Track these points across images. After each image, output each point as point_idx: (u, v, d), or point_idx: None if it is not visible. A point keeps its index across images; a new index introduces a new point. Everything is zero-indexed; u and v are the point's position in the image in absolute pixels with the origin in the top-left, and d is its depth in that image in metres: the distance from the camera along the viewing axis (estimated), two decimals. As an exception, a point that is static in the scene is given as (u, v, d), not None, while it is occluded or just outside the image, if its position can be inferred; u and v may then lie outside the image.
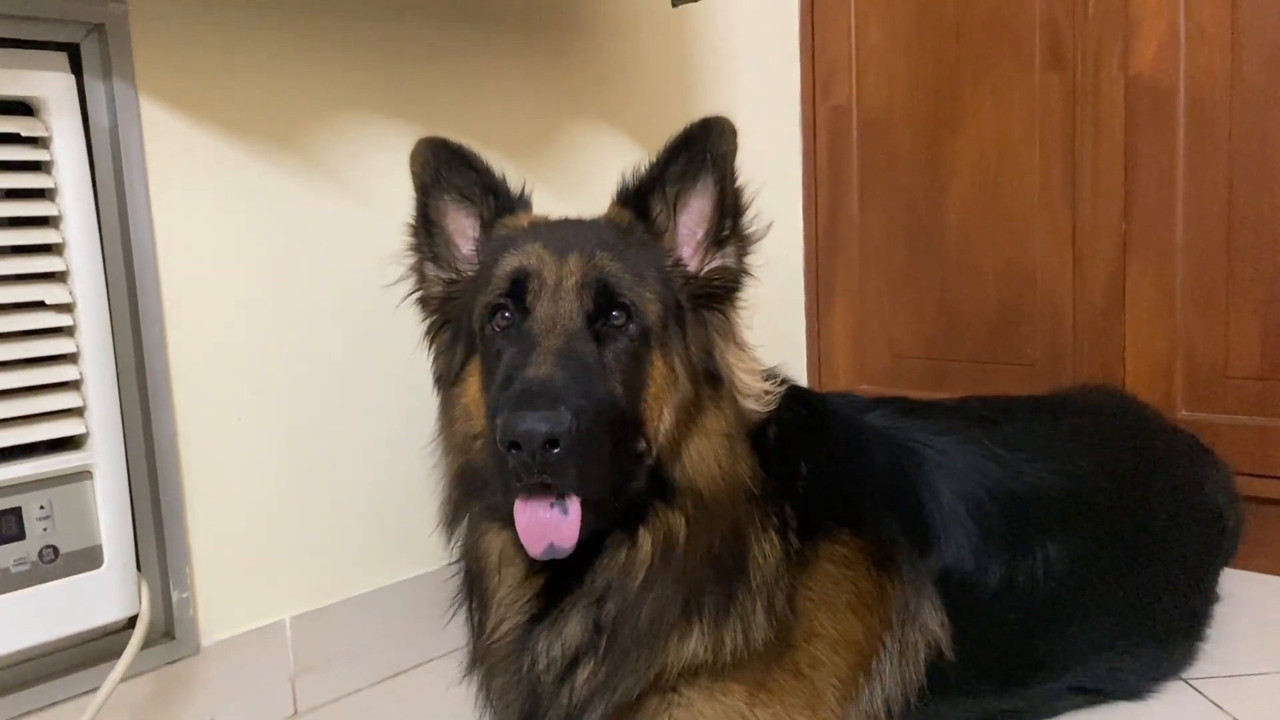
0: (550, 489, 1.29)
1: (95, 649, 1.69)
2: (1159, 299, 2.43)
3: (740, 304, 1.51)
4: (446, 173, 1.54)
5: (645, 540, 1.39)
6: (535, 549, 1.32)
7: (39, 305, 1.53)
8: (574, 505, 1.32)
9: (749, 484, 1.44)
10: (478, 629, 1.55)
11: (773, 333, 2.99)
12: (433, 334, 1.56)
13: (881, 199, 2.91)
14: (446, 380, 1.52)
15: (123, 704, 1.69)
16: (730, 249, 1.47)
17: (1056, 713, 1.72)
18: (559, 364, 1.29)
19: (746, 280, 1.49)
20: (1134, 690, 1.78)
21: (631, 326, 1.37)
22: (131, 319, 1.69)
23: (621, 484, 1.37)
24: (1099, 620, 1.71)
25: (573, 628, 1.42)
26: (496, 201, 1.54)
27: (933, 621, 1.56)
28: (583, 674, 1.42)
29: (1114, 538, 1.74)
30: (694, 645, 1.41)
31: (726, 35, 2.78)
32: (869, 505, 1.59)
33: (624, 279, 1.39)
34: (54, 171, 1.54)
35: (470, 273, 1.52)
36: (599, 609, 1.41)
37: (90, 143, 1.61)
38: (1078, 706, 1.73)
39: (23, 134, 1.51)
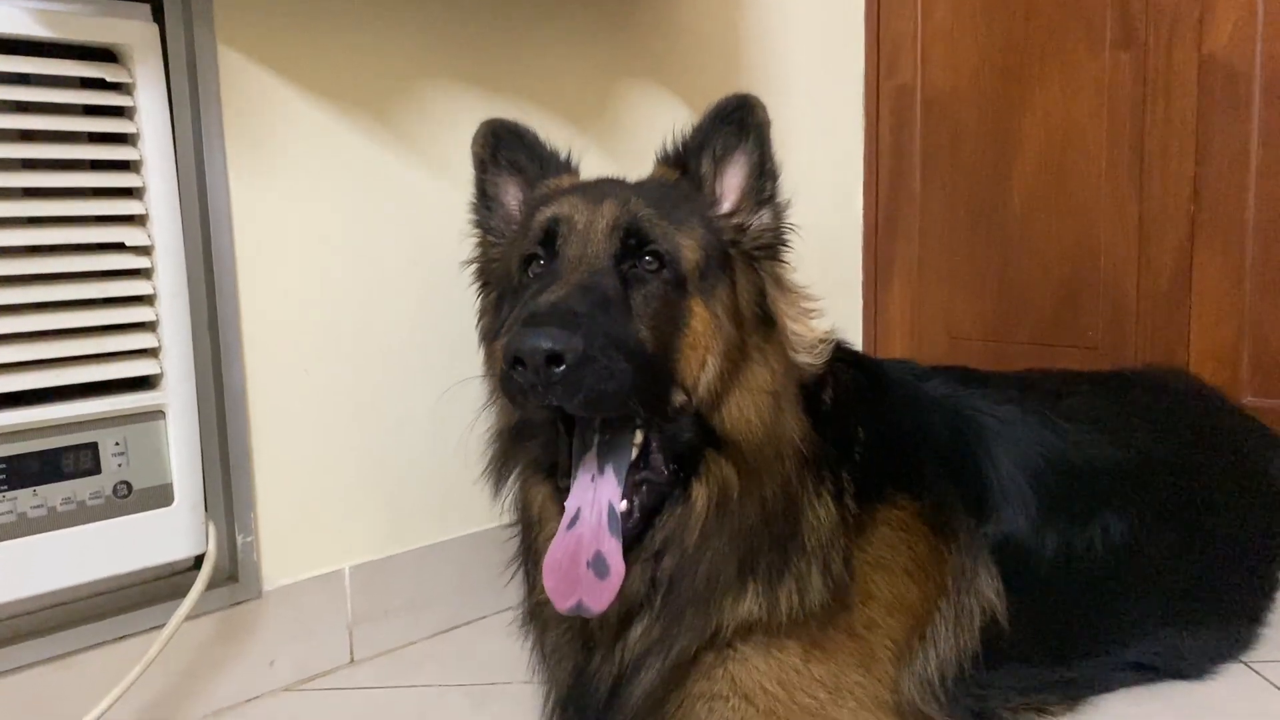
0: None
1: (162, 587, 1.74)
2: (1227, 283, 2.39)
3: (786, 260, 1.54)
4: (503, 150, 1.62)
5: (699, 493, 1.40)
6: (561, 602, 1.32)
7: (119, 247, 1.58)
8: (615, 564, 1.32)
9: (798, 444, 1.44)
10: (530, 585, 1.58)
11: (831, 311, 2.97)
12: (481, 296, 1.61)
13: (943, 178, 2.89)
14: (489, 337, 1.56)
15: (186, 642, 1.74)
16: (768, 210, 1.51)
17: (1112, 687, 1.70)
18: (573, 292, 1.29)
19: (788, 235, 1.54)
20: (1192, 670, 1.75)
21: (665, 271, 1.38)
22: (205, 266, 1.73)
23: (670, 439, 1.38)
24: (1157, 597, 1.69)
25: (631, 582, 1.41)
26: (542, 168, 1.60)
27: (988, 589, 1.55)
28: (637, 630, 1.43)
29: (1174, 515, 1.72)
30: (749, 605, 1.42)
31: (791, 10, 2.77)
32: (927, 471, 1.58)
33: (659, 224, 1.40)
34: (136, 118, 1.57)
35: (513, 234, 1.56)
36: (656, 565, 1.41)
37: (170, 91, 1.64)
38: (1134, 683, 1.72)
39: (108, 80, 1.54)
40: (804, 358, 1.48)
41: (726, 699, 1.43)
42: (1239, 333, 2.38)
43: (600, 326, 1.26)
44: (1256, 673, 1.79)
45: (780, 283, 1.51)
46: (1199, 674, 1.76)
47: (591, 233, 1.39)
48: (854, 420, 1.56)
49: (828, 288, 2.88)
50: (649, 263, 1.38)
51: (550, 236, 1.41)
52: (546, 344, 1.19)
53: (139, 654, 1.62)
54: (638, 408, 1.32)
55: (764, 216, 1.51)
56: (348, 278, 1.93)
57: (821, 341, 1.51)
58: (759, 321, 1.44)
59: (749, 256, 1.48)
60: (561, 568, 1.33)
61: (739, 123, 1.49)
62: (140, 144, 1.58)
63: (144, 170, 1.59)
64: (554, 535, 1.45)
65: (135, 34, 1.57)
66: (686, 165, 1.52)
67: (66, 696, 1.60)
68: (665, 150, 1.56)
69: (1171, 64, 2.43)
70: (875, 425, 1.58)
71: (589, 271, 1.34)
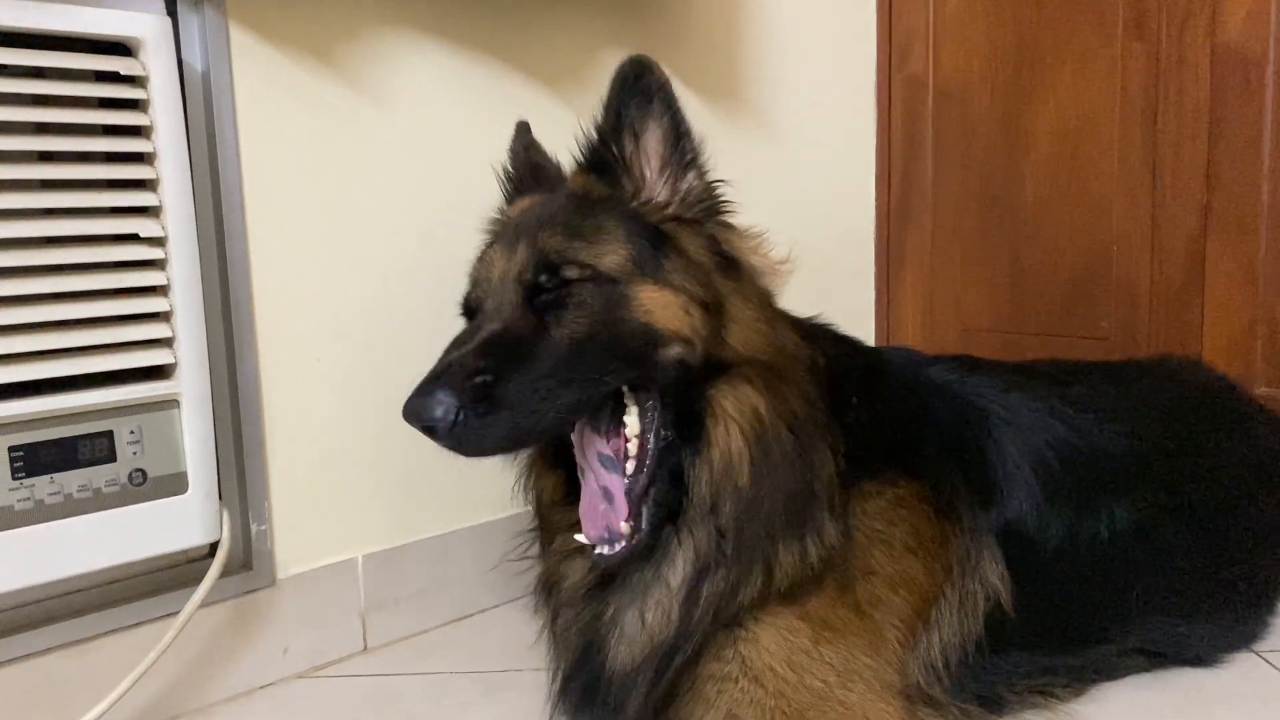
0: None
1: (176, 575, 1.76)
2: (1240, 272, 2.38)
3: (728, 210, 1.52)
4: (515, 164, 1.70)
5: (725, 439, 1.41)
6: (591, 533, 1.41)
7: (133, 238, 1.60)
8: (616, 489, 1.40)
9: (795, 354, 1.47)
10: (544, 558, 1.63)
11: (842, 303, 2.98)
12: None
13: (955, 170, 2.88)
14: None
15: (200, 629, 1.76)
16: (693, 172, 1.48)
17: (1119, 673, 1.70)
18: (475, 351, 1.34)
19: (720, 191, 1.51)
20: (1200, 657, 1.75)
21: (588, 285, 1.38)
22: (219, 256, 1.75)
23: (674, 398, 1.41)
24: (1165, 585, 1.68)
25: (697, 544, 1.43)
26: (513, 187, 1.68)
27: (993, 574, 1.55)
28: (708, 587, 1.43)
29: (1182, 503, 1.71)
30: (793, 549, 1.42)
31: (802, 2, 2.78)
32: (928, 453, 1.58)
33: (572, 248, 1.40)
34: (150, 110, 1.59)
35: None
36: (715, 518, 1.42)
37: (183, 83, 1.66)
38: (1142, 669, 1.71)
39: (121, 72, 1.56)
40: (768, 283, 1.51)
41: (736, 680, 1.44)
42: (1252, 322, 2.37)
43: (505, 376, 1.31)
44: (1266, 661, 1.78)
45: (728, 226, 1.51)
46: (1208, 662, 1.75)
47: (505, 283, 1.42)
48: (847, 396, 1.56)
49: (840, 279, 2.93)
50: (569, 285, 1.39)
51: (475, 296, 1.47)
52: (423, 413, 1.29)
53: (153, 640, 1.64)
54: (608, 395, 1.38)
55: (691, 179, 1.48)
56: (360, 264, 1.94)
57: (781, 263, 1.53)
58: (722, 268, 1.46)
59: (687, 220, 1.48)
60: (586, 504, 1.43)
61: (644, 90, 1.44)
62: (154, 137, 1.60)
63: (158, 162, 1.60)
64: (563, 520, 1.55)
65: (149, 27, 1.58)
66: (604, 157, 1.48)
67: (82, 682, 1.63)
68: (580, 147, 1.52)
69: (1184, 52, 2.42)
70: (873, 405, 1.58)
71: (500, 318, 1.39)
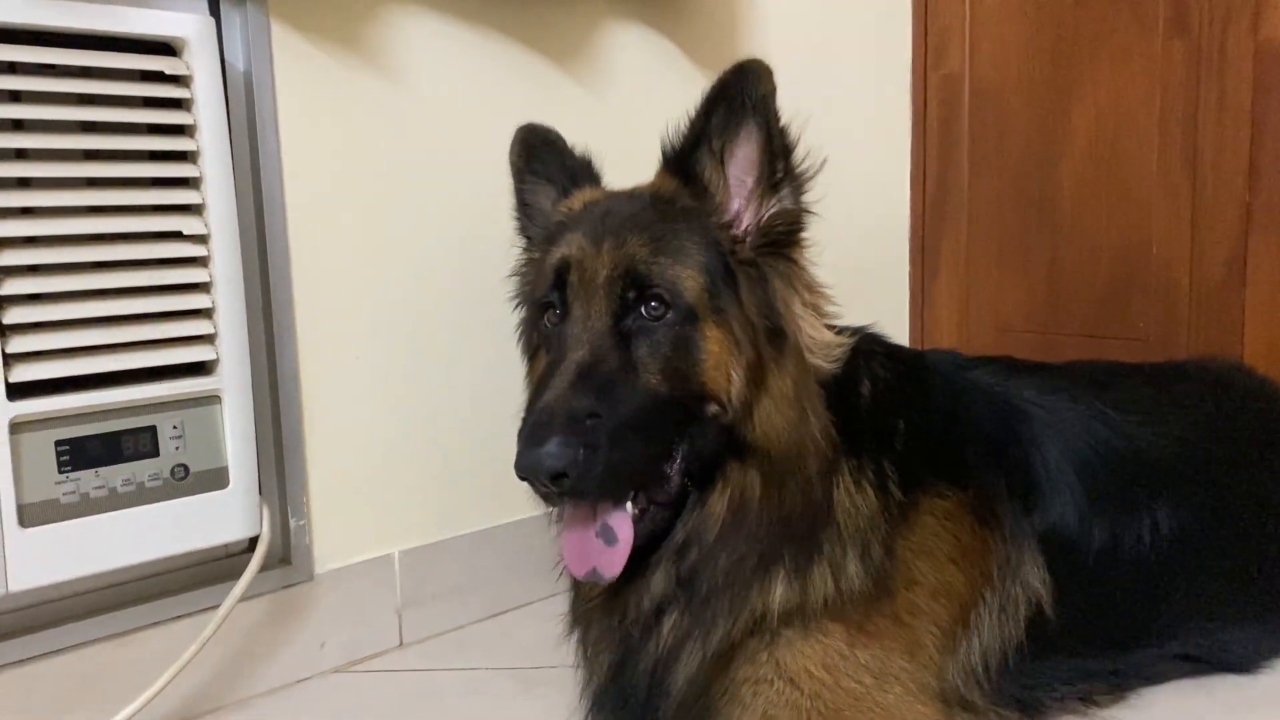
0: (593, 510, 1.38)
1: (217, 569, 1.78)
2: (1283, 273, 2.35)
3: (805, 244, 1.48)
4: (535, 159, 1.65)
5: (717, 501, 1.42)
6: (578, 571, 1.39)
7: (177, 235, 1.61)
8: (623, 532, 1.37)
9: (820, 444, 1.44)
10: (575, 590, 1.63)
11: (877, 304, 2.95)
12: (518, 310, 1.64)
13: (992, 169, 2.86)
14: (526, 354, 1.60)
15: (240, 623, 1.78)
16: (786, 190, 1.43)
17: (1160, 679, 1.68)
18: (573, 386, 1.31)
19: (808, 219, 1.47)
20: (1242, 663, 1.73)
21: (670, 313, 1.37)
22: (260, 254, 1.77)
23: (699, 451, 1.40)
24: (1206, 589, 1.67)
25: (657, 580, 1.46)
26: (571, 178, 1.61)
27: (1034, 578, 1.54)
28: (667, 624, 1.46)
29: (1225, 507, 1.69)
30: (780, 592, 1.43)
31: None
32: (971, 460, 1.57)
33: (657, 264, 1.38)
34: (193, 109, 1.61)
35: (538, 254, 1.57)
36: (680, 561, 1.44)
37: (226, 83, 1.68)
38: (1183, 674, 1.70)
39: (166, 72, 1.58)
40: (819, 360, 1.46)
41: (771, 682, 1.44)
42: (1294, 324, 2.35)
43: (608, 417, 1.30)
44: (1309, 668, 1.76)
45: (793, 283, 1.46)
46: (1248, 668, 1.73)
47: (594, 287, 1.39)
48: (894, 412, 1.56)
49: (875, 279, 2.91)
50: (654, 308, 1.37)
51: (560, 286, 1.43)
52: (547, 463, 1.25)
53: (194, 633, 1.67)
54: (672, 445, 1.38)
55: (784, 200, 1.43)
56: (399, 261, 1.96)
57: (837, 345, 1.48)
58: (770, 334, 1.42)
59: (753, 263, 1.43)
60: (575, 539, 1.40)
61: (737, 98, 1.38)
62: (197, 135, 1.61)
63: (201, 161, 1.62)
64: None
65: (193, 28, 1.60)
66: (687, 167, 1.44)
67: (124, 673, 1.65)
68: (667, 150, 1.47)
69: (1226, 50, 2.39)
70: (916, 416, 1.57)
71: (590, 346, 1.36)
